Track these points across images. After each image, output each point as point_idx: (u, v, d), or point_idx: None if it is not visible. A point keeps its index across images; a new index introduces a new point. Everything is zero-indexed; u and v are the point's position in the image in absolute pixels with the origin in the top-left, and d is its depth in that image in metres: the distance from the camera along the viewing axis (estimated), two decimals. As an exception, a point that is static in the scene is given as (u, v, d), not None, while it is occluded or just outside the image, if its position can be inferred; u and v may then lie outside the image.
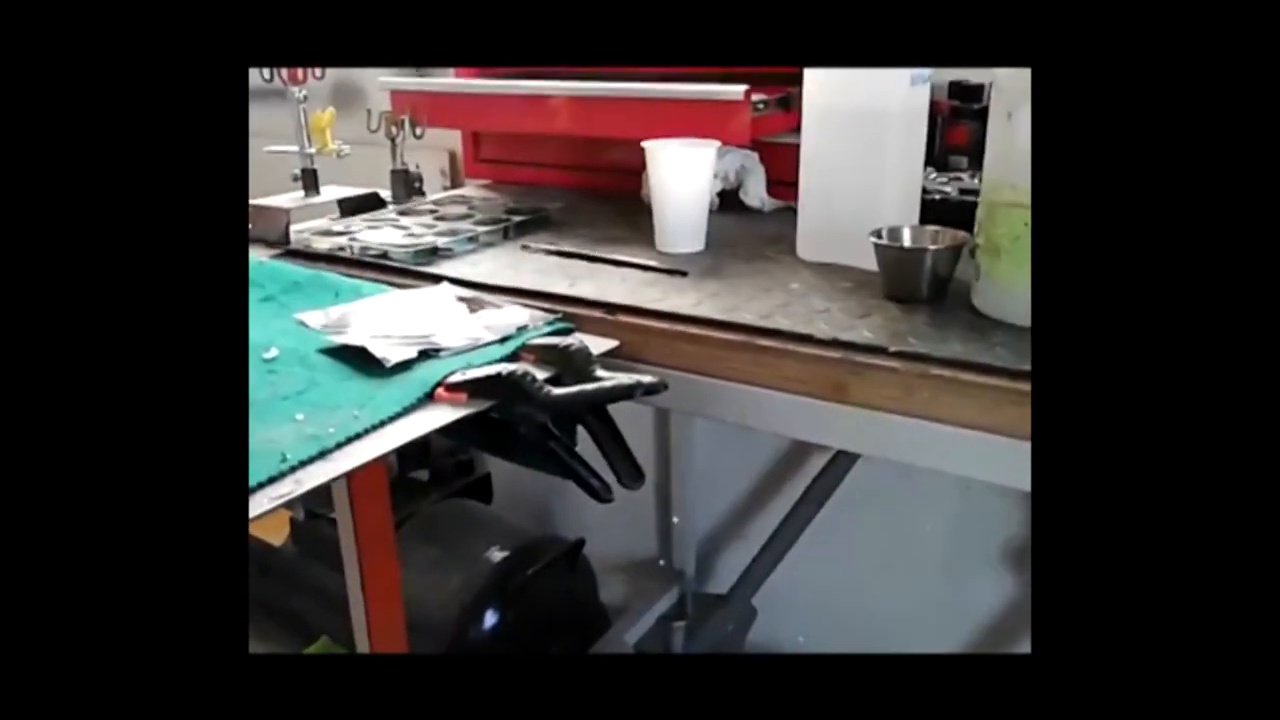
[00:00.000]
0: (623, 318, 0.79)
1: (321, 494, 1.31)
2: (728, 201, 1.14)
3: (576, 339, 0.73)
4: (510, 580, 1.30)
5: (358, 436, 0.59)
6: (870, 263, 0.82)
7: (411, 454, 1.55)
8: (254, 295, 0.85)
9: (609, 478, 0.70)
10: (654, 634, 1.45)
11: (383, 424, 0.61)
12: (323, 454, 0.56)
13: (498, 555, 1.32)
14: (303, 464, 0.55)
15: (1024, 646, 1.33)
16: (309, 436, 0.57)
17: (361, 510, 0.76)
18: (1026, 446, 0.64)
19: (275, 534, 1.56)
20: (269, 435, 0.58)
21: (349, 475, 0.60)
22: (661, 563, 1.60)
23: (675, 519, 1.54)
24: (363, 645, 0.94)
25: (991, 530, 1.31)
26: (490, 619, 1.29)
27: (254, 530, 1.15)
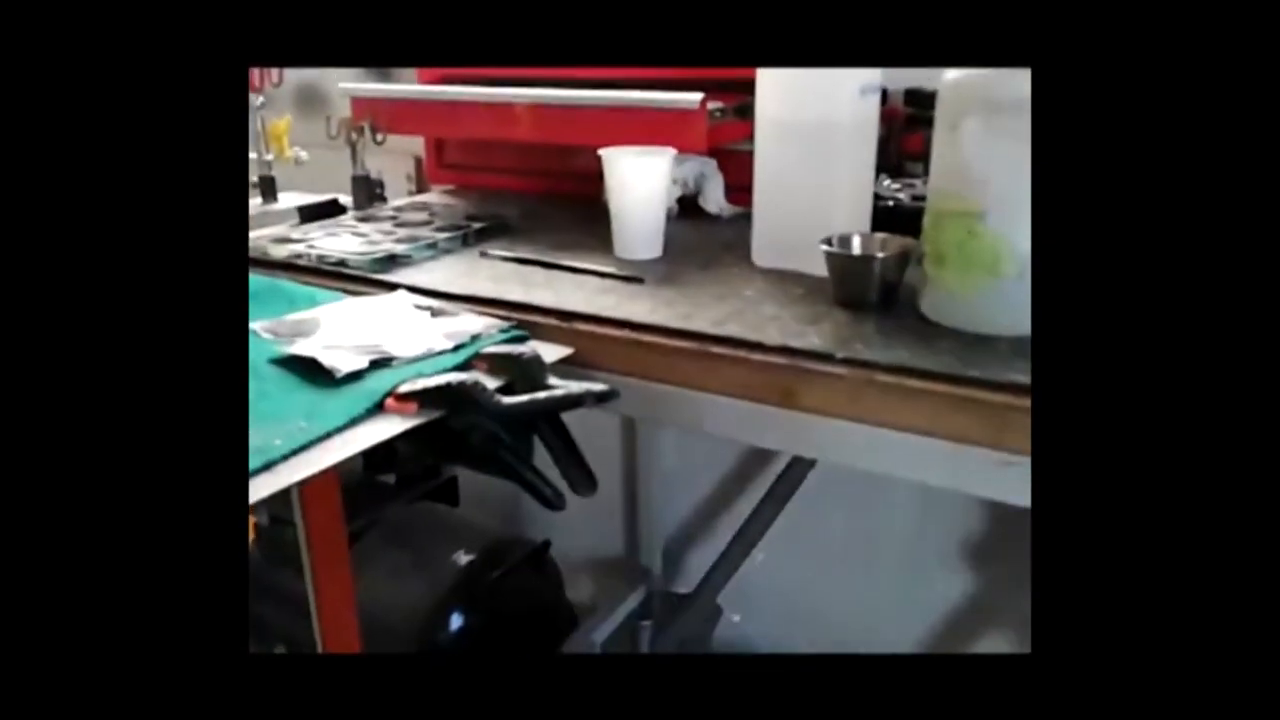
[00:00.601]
0: (578, 325, 0.80)
1: (282, 500, 1.31)
2: (687, 208, 1.15)
3: (529, 347, 0.74)
4: (476, 583, 1.30)
5: (304, 448, 0.59)
6: (822, 269, 0.83)
7: (377, 457, 1.55)
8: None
9: (564, 486, 0.71)
10: (621, 633, 1.45)
11: (330, 435, 0.62)
12: (268, 466, 0.57)
13: (463, 558, 1.32)
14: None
15: (984, 641, 1.36)
16: (254, 449, 0.57)
17: (313, 517, 0.76)
18: (970, 451, 0.66)
19: (241, 540, 1.55)
20: (215, 448, 0.58)
21: (297, 484, 0.60)
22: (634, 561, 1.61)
23: (641, 518, 1.56)
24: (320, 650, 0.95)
25: (952, 527, 1.33)
26: (456, 622, 1.30)
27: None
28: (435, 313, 0.82)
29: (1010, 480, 0.64)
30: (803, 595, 1.49)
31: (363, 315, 0.81)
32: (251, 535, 1.53)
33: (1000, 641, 1.34)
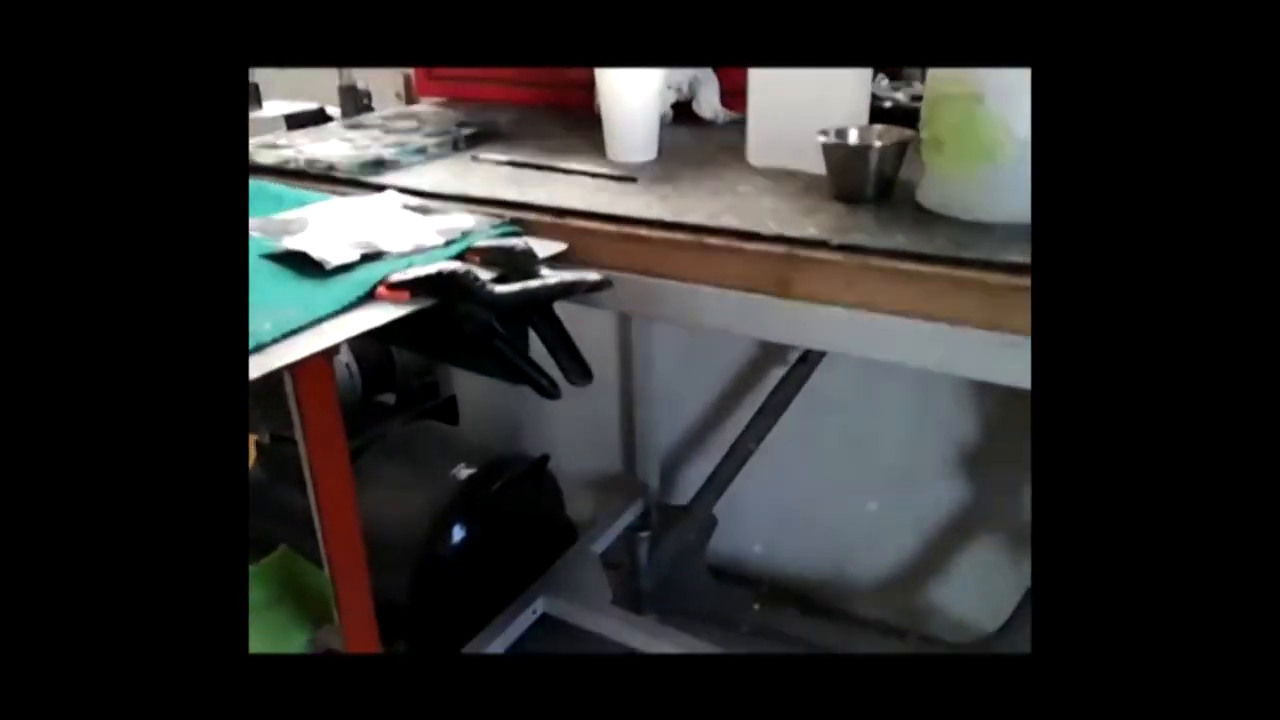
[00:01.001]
0: (570, 222, 0.79)
1: (284, 418, 1.32)
2: (681, 114, 1.13)
3: (522, 240, 0.73)
4: (477, 496, 1.32)
5: (294, 333, 0.59)
6: (819, 167, 0.82)
7: (376, 377, 1.55)
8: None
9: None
10: (619, 545, 1.48)
11: (320, 321, 0.61)
12: (259, 349, 0.56)
13: (464, 472, 1.34)
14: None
15: (977, 546, 1.38)
16: (246, 333, 0.57)
17: (313, 433, 0.76)
18: (968, 333, 0.66)
19: (242, 461, 1.56)
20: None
21: (294, 378, 0.60)
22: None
23: (639, 435, 1.57)
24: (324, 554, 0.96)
25: (948, 436, 1.34)
26: (458, 534, 1.31)
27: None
28: (426, 211, 0.81)
29: (1009, 362, 0.64)
30: (797, 505, 1.51)
31: (352, 214, 0.80)
32: (253, 455, 1.55)
33: (993, 547, 1.36)
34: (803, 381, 1.33)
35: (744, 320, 0.74)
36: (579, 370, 0.71)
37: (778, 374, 1.36)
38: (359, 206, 0.82)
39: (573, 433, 1.62)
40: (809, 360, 1.31)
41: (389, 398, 1.63)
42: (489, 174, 0.92)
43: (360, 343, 1.56)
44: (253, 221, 0.77)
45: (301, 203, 0.83)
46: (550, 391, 0.69)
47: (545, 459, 1.40)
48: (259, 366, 0.55)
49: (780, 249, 0.71)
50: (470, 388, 1.68)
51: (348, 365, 1.49)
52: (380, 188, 0.87)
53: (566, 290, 0.67)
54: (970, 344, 0.65)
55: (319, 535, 0.93)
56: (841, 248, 0.69)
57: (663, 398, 1.53)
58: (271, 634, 1.23)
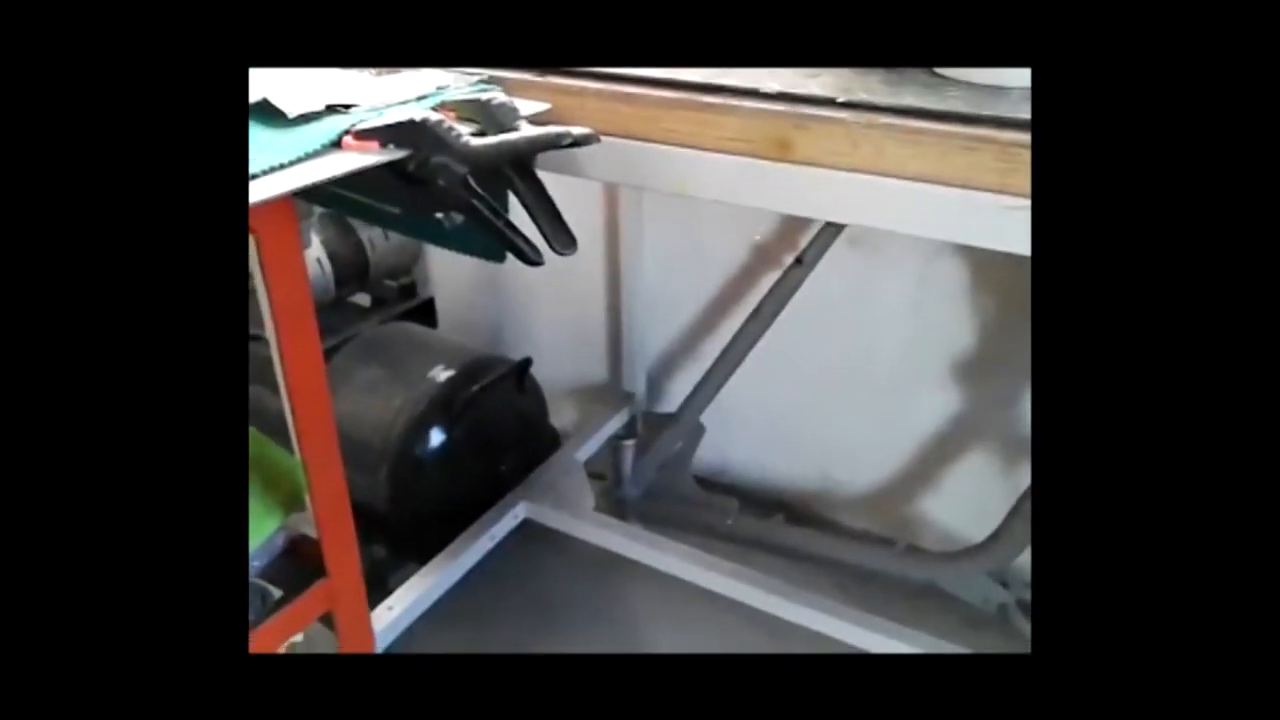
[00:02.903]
0: (554, 79, 0.73)
1: (254, 317, 1.26)
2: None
3: (502, 94, 0.68)
4: (456, 398, 1.28)
5: (253, 178, 0.54)
6: (823, 30, 0.76)
7: (349, 275, 1.49)
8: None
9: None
10: (603, 453, 1.45)
11: (282, 167, 0.56)
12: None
13: (443, 374, 1.29)
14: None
15: (968, 456, 1.36)
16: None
17: (275, 280, 0.71)
18: (976, 197, 0.61)
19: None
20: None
21: (257, 241, 0.56)
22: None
23: (625, 344, 1.53)
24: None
25: (941, 348, 1.31)
26: (436, 437, 1.28)
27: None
28: (393, 72, 0.75)
29: (1016, 226, 0.60)
30: (787, 414, 1.48)
31: (317, 71, 0.74)
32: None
33: (984, 458, 1.34)
34: (796, 287, 1.28)
35: (740, 187, 0.69)
36: (562, 237, 0.66)
37: (770, 279, 1.31)
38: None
39: (557, 339, 1.58)
40: (803, 264, 1.27)
41: (363, 299, 1.58)
42: (467, 40, 0.86)
43: (332, 238, 1.50)
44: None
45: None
46: (531, 256, 0.65)
47: (528, 362, 1.36)
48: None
49: (781, 107, 0.66)
50: (450, 290, 1.62)
51: (319, 260, 1.42)
52: (348, 46, 0.81)
53: (549, 143, 0.62)
54: (978, 209, 0.62)
55: (287, 412, 0.89)
56: (848, 105, 0.65)
57: (651, 304, 1.49)
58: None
